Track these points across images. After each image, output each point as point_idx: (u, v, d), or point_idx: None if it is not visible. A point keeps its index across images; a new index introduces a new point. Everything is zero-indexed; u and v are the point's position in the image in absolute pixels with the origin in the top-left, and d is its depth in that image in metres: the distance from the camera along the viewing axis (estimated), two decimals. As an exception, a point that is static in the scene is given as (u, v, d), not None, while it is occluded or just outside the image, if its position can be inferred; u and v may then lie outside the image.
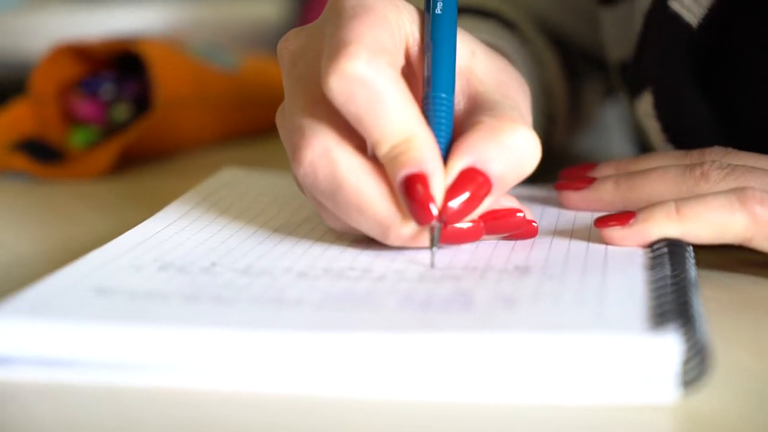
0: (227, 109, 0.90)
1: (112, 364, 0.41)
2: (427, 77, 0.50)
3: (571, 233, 0.53)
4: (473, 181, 0.48)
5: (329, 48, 0.48)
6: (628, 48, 0.67)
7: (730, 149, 0.56)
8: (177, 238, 0.53)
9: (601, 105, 0.83)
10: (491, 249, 0.51)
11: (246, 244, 0.52)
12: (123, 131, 0.81)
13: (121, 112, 0.83)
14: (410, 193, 0.47)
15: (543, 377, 0.39)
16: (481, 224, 0.50)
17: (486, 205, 0.49)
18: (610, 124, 0.89)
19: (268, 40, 1.40)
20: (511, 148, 0.48)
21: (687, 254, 0.48)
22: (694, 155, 0.56)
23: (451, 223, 0.49)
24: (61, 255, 0.53)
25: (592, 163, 0.59)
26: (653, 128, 0.63)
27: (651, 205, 0.50)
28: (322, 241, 0.52)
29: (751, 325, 0.46)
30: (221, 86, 0.89)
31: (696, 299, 0.43)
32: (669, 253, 0.47)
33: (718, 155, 0.55)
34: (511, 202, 0.51)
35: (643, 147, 0.72)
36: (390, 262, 0.49)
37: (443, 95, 0.50)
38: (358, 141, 0.49)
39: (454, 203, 0.48)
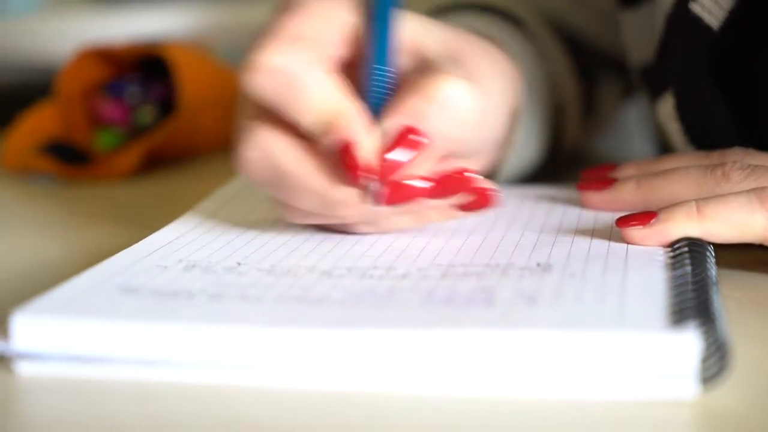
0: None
1: (138, 360, 0.41)
2: (367, 52, 0.52)
3: (593, 232, 0.53)
4: (405, 137, 0.50)
5: (249, 48, 0.50)
6: (650, 50, 0.67)
7: (750, 150, 0.56)
8: (202, 239, 0.53)
9: (619, 106, 0.83)
10: (513, 246, 0.51)
11: (270, 245, 0.53)
12: (147, 133, 0.82)
13: (146, 114, 0.84)
14: (341, 158, 0.49)
15: (564, 373, 0.39)
16: (432, 184, 0.51)
17: (430, 163, 0.51)
18: (631, 125, 0.89)
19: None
20: (441, 101, 0.50)
21: (707, 253, 0.48)
22: (715, 156, 0.56)
23: (386, 178, 0.50)
24: (88, 256, 0.54)
25: (614, 164, 0.60)
26: (674, 130, 0.64)
27: (672, 205, 0.51)
28: (344, 242, 0.53)
29: (770, 324, 0.47)
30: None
31: (716, 297, 0.43)
32: (689, 252, 0.48)
33: (738, 156, 0.55)
34: (465, 165, 0.52)
35: (665, 148, 0.72)
36: (412, 261, 0.49)
37: (379, 66, 0.51)
38: (295, 130, 0.50)
39: (388, 158, 0.49)
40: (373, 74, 0.51)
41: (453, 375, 0.40)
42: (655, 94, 0.66)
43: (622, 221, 0.51)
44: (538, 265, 0.48)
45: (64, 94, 0.84)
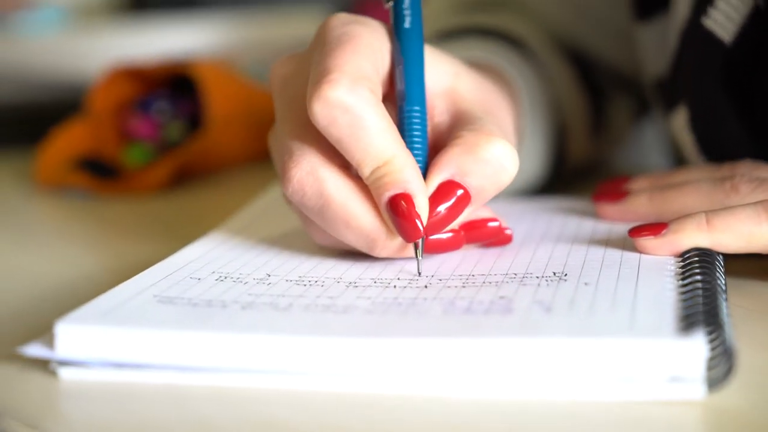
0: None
1: (174, 366, 0.43)
2: (400, 91, 0.53)
3: (607, 242, 0.54)
4: (452, 193, 0.51)
5: (314, 75, 0.51)
6: (663, 64, 0.68)
7: (759, 163, 0.57)
8: (233, 252, 0.55)
9: (632, 123, 0.84)
10: (530, 256, 0.53)
11: (298, 257, 0.54)
12: (176, 149, 0.84)
13: (175, 130, 0.85)
14: (397, 212, 0.50)
15: (581, 377, 0.41)
16: (462, 233, 0.53)
17: (464, 215, 0.52)
18: (647, 139, 0.90)
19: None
20: (487, 160, 0.51)
21: (716, 263, 0.50)
22: (725, 169, 0.57)
23: (431, 234, 0.52)
24: (123, 268, 0.56)
25: (628, 177, 0.61)
26: (687, 141, 0.65)
27: (683, 216, 0.52)
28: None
29: (776, 331, 0.48)
30: (268, 104, 0.91)
31: (724, 305, 0.45)
32: (699, 262, 0.49)
33: (748, 169, 0.57)
34: (487, 212, 0.54)
35: (678, 160, 0.73)
36: (434, 272, 0.51)
37: (416, 108, 0.53)
38: (343, 161, 0.52)
39: (435, 216, 0.51)
40: (409, 116, 0.53)
41: (473, 380, 0.41)
42: (669, 106, 0.67)
43: (635, 231, 0.53)
44: (555, 274, 0.50)
45: (95, 111, 0.86)
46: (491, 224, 0.54)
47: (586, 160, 0.78)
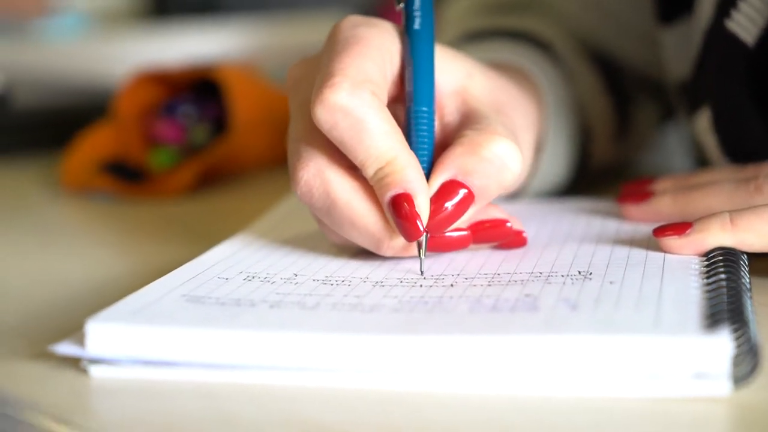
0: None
1: (203, 364, 0.44)
2: (408, 92, 0.54)
3: (631, 242, 0.55)
4: (454, 192, 0.52)
5: (318, 79, 0.51)
6: (687, 66, 0.68)
7: (783, 164, 0.57)
8: (260, 253, 0.56)
9: (657, 126, 0.84)
10: (555, 255, 0.53)
11: (324, 257, 0.55)
12: (201, 152, 0.84)
13: (200, 133, 0.86)
14: (397, 212, 0.51)
15: (607, 374, 0.41)
16: (468, 232, 0.53)
17: (470, 214, 0.53)
18: (672, 141, 0.90)
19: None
20: (490, 159, 0.52)
21: (741, 262, 0.50)
22: (749, 170, 0.58)
23: (434, 233, 0.52)
24: (150, 270, 0.56)
25: (652, 178, 0.61)
26: (711, 143, 0.65)
27: (707, 216, 0.52)
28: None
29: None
30: (290, 108, 0.92)
31: (748, 303, 0.45)
32: (723, 261, 0.49)
33: None
34: (499, 213, 0.54)
35: (702, 162, 0.73)
36: (460, 271, 0.52)
37: (424, 109, 0.53)
38: (350, 162, 0.52)
39: (437, 215, 0.51)
40: (416, 117, 0.53)
41: (500, 377, 0.42)
42: (693, 108, 0.67)
43: (659, 231, 0.53)
44: (580, 272, 0.50)
45: (120, 115, 0.87)
46: (502, 225, 0.54)
47: (609, 163, 0.78)
